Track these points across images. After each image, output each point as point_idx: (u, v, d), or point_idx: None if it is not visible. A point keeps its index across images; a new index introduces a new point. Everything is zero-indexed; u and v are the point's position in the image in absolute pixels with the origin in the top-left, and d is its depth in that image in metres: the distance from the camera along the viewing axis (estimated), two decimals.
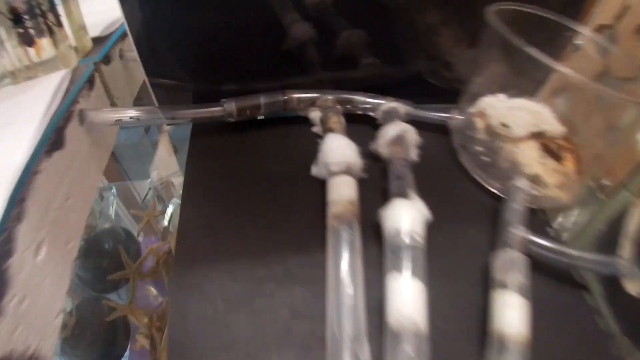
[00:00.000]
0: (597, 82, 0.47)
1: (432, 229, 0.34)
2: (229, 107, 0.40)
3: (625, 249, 0.37)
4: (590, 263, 0.34)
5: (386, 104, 0.41)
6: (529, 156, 0.44)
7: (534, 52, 0.33)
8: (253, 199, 0.37)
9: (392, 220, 0.32)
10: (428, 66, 0.49)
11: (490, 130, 0.45)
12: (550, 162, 0.44)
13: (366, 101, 0.41)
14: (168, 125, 0.49)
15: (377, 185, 0.37)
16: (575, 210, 0.45)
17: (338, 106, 0.41)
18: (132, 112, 0.38)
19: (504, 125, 0.45)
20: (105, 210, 0.74)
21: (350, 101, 0.41)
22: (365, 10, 0.44)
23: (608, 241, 0.40)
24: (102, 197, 0.74)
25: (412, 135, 0.38)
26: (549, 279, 0.34)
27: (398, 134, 0.37)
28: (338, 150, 0.36)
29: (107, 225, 0.69)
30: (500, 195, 0.39)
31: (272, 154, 0.41)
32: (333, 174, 0.35)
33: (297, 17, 0.43)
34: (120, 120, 0.38)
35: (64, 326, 0.42)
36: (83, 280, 0.59)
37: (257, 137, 0.43)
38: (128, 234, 0.64)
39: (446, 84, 0.50)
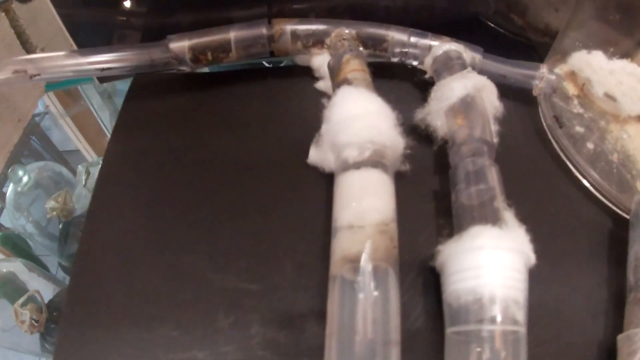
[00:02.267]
0: None
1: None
2: (177, 48, 0.24)
3: None
4: None
5: (442, 45, 0.23)
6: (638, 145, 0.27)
7: None
8: (204, 210, 0.21)
9: (464, 280, 0.16)
10: (493, 4, 0.31)
11: (586, 101, 0.28)
12: None
13: (409, 41, 0.24)
14: (102, 82, 0.30)
15: (427, 187, 0.21)
16: None
17: (361, 48, 0.24)
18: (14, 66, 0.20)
19: (609, 97, 0.28)
20: (91, 186, 0.59)
21: (382, 39, 0.24)
22: None
23: None
24: (87, 174, 0.58)
25: (491, 97, 0.21)
26: None
27: (467, 94, 0.20)
28: (359, 119, 0.19)
29: None
30: (618, 210, 0.22)
31: (247, 128, 0.24)
32: (348, 165, 0.18)
33: None
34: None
35: (37, 322, 0.32)
36: (64, 268, 0.48)
37: (225, 99, 0.26)
38: None
39: (516, 31, 0.32)
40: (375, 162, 0.18)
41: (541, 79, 0.26)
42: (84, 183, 0.41)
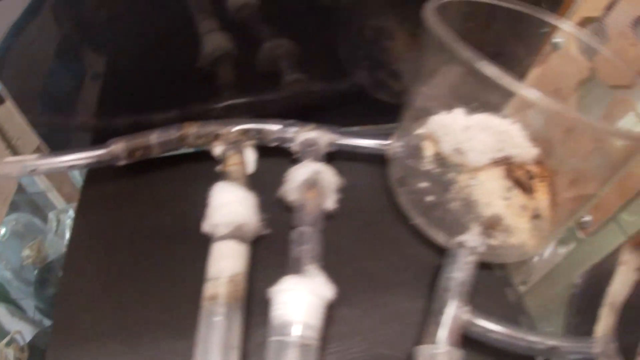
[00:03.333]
0: (581, 90, 0.36)
1: (351, 299, 0.27)
2: (116, 149, 0.33)
3: (604, 323, 0.27)
4: (553, 350, 0.24)
5: (302, 133, 0.31)
6: (490, 190, 0.34)
7: (478, 63, 0.23)
8: (140, 264, 0.30)
9: (279, 308, 0.23)
10: (372, 78, 0.38)
11: (440, 159, 0.34)
12: (518, 197, 0.34)
13: (278, 131, 0.32)
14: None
15: (283, 244, 0.29)
16: (544, 260, 0.34)
17: (247, 140, 0.32)
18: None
19: (459, 151, 0.34)
20: (62, 233, 0.67)
21: (260, 132, 0.32)
22: (298, 14, 0.35)
23: (585, 305, 0.30)
24: (58, 221, 0.67)
25: (328, 177, 0.29)
26: None
27: (309, 177, 0.28)
28: (227, 206, 0.27)
29: (64, 250, 0.62)
30: (448, 249, 0.29)
31: (168, 203, 0.34)
32: (216, 237, 0.27)
33: (213, 25, 0.33)
34: None
35: None
36: (42, 310, 0.52)
37: (156, 180, 0.35)
38: None
39: (395, 98, 0.39)
40: (232, 235, 0.27)
41: (390, 146, 0.33)
42: (54, 230, 0.47)
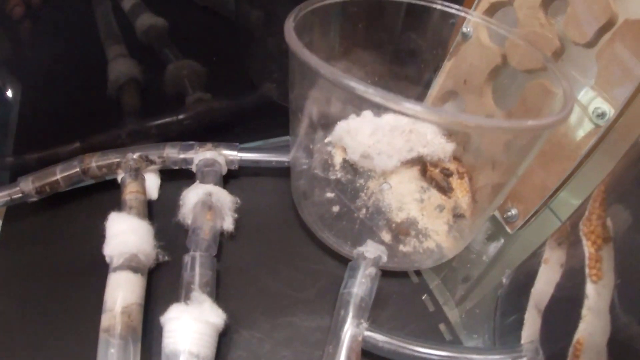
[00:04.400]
0: (496, 78, 0.34)
1: (252, 321, 0.27)
2: (25, 187, 0.33)
3: (530, 327, 0.26)
4: None
5: (200, 154, 0.30)
6: (403, 194, 0.32)
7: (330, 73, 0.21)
8: (53, 299, 0.29)
9: (168, 336, 0.24)
10: (282, 89, 0.37)
11: (349, 166, 0.33)
12: (433, 197, 0.33)
13: (176, 154, 0.31)
14: None
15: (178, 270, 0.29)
16: (468, 256, 0.32)
17: (149, 165, 0.31)
18: None
19: (367, 156, 0.33)
20: None
21: (161, 157, 0.31)
22: (204, 33, 0.34)
23: (512, 308, 0.28)
24: None
25: (222, 197, 0.28)
26: None
27: (200, 199, 0.27)
28: (119, 236, 0.26)
29: None
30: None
31: (80, 235, 0.33)
32: (113, 268, 0.27)
33: (118, 52, 0.33)
34: None
35: None
36: None
37: (69, 213, 0.35)
38: None
39: None
40: (126, 265, 0.26)
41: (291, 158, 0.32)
42: None
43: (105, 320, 0.25)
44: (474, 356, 0.25)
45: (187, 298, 0.25)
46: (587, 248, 0.22)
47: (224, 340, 0.27)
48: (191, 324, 0.24)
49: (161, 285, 0.28)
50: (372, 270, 0.27)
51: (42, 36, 0.31)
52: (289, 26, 0.25)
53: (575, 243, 0.24)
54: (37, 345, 0.28)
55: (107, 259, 0.29)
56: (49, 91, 0.33)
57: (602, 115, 0.27)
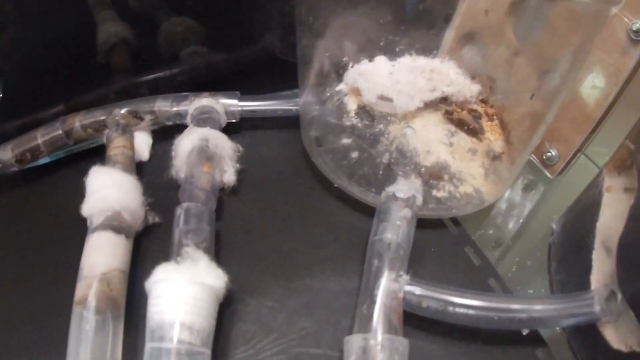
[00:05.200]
0: (516, 10, 0.30)
1: (263, 288, 0.22)
2: (4, 155, 0.29)
3: (600, 270, 0.21)
4: (539, 318, 0.18)
5: (196, 101, 0.26)
6: (429, 138, 0.28)
7: None
8: (33, 271, 0.25)
9: (154, 304, 0.19)
10: (284, 41, 0.34)
11: (366, 111, 0.29)
12: (464, 140, 0.28)
13: (169, 107, 0.27)
14: None
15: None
16: (508, 206, 0.28)
17: (139, 122, 0.27)
18: None
19: (385, 98, 0.29)
20: None
21: (152, 112, 0.27)
22: None
23: (570, 254, 0.24)
24: None
25: (221, 143, 0.23)
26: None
27: (194, 147, 0.23)
28: (100, 191, 0.21)
29: None
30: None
31: (62, 205, 0.28)
32: (92, 228, 0.22)
33: (109, 15, 0.31)
34: None
35: None
36: None
37: (51, 184, 0.30)
38: None
39: None
40: (106, 225, 0.21)
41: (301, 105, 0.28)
42: None
43: (79, 290, 0.20)
44: (544, 306, 0.20)
45: (178, 255, 0.20)
46: None
47: (227, 312, 0.21)
48: (183, 287, 0.19)
49: (151, 250, 0.24)
50: (407, 212, 0.22)
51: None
52: None
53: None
54: (11, 323, 0.22)
55: (88, 222, 0.24)
56: (31, 55, 0.30)
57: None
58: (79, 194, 0.25)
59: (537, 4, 0.30)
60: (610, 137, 0.28)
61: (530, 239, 0.27)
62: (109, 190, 0.23)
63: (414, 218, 0.22)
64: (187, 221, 0.21)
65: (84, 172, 0.29)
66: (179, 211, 0.22)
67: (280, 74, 0.31)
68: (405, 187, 0.23)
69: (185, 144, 0.24)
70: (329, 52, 0.30)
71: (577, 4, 0.26)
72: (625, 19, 0.24)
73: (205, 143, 0.24)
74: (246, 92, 0.32)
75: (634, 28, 0.24)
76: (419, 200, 0.23)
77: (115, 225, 0.22)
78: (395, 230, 0.21)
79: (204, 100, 0.27)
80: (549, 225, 0.27)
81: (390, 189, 0.23)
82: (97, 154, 0.30)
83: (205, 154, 0.24)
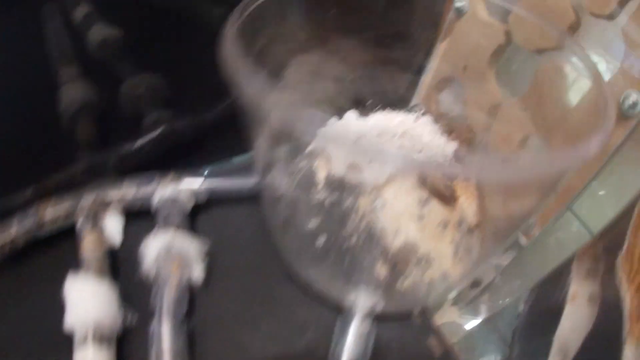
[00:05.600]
0: (500, 61, 0.28)
1: None
2: None
3: None
4: None
5: (157, 192, 0.26)
6: (400, 211, 0.27)
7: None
8: None
9: None
10: None
11: (335, 182, 0.28)
12: (435, 211, 0.28)
13: (134, 193, 0.27)
14: None
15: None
16: (475, 286, 0.28)
17: (109, 208, 0.27)
18: None
19: (355, 167, 0.28)
20: None
21: (118, 198, 0.27)
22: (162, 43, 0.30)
23: (534, 344, 0.24)
24: None
25: (185, 245, 0.24)
26: None
27: (161, 252, 0.23)
28: (81, 303, 0.23)
29: None
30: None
31: (37, 304, 0.26)
32: (77, 342, 0.23)
33: (70, 75, 0.30)
34: None
35: None
36: None
37: (23, 277, 0.28)
38: None
39: None
40: (95, 337, 0.23)
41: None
42: None
43: None
44: None
45: None
46: (627, 297, 0.17)
47: None
48: None
49: (131, 355, 0.24)
50: (365, 327, 0.23)
51: None
52: (230, 36, 0.19)
53: (609, 281, 0.19)
54: None
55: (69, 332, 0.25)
56: None
57: (633, 105, 0.22)
58: (53, 288, 0.24)
59: (521, 54, 0.27)
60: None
61: (496, 319, 0.27)
62: (89, 302, 0.24)
63: (373, 330, 0.23)
64: (159, 340, 0.22)
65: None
66: (152, 329, 0.23)
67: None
68: (365, 297, 0.23)
69: (152, 249, 0.25)
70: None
71: (568, 62, 0.23)
72: None
73: (171, 247, 0.25)
74: (216, 152, 0.31)
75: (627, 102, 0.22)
76: (380, 306, 0.23)
77: (101, 336, 0.23)
78: (353, 347, 0.22)
79: (168, 189, 0.27)
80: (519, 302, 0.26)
81: (352, 297, 0.23)
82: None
83: (171, 257, 0.24)
